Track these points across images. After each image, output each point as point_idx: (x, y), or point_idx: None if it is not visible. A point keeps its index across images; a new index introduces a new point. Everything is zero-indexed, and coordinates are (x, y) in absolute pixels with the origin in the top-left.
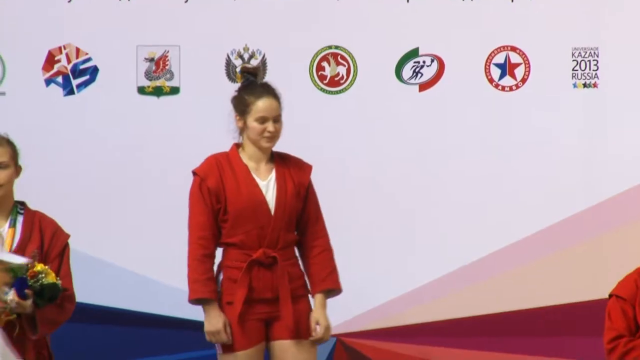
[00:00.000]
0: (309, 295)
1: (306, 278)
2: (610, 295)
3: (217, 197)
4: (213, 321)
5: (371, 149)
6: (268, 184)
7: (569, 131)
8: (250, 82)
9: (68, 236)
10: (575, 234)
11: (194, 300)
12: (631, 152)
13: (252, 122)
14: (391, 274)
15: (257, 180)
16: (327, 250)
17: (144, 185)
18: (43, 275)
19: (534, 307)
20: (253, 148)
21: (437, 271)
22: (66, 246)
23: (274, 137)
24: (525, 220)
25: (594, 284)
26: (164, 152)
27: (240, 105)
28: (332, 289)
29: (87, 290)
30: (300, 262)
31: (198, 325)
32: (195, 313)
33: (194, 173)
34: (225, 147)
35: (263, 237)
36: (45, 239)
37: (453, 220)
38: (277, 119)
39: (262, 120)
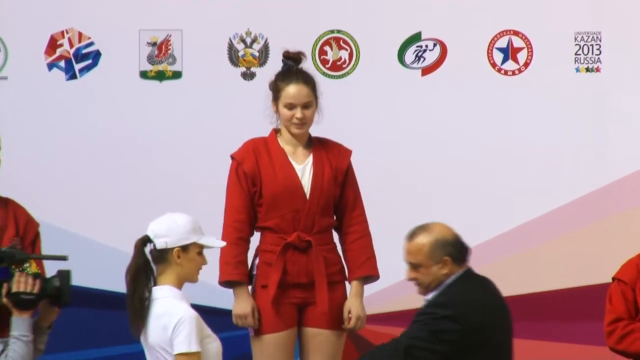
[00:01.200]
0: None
1: (344, 264)
2: (613, 279)
3: (252, 181)
4: (242, 305)
5: (373, 133)
6: (304, 168)
7: (571, 115)
8: (288, 68)
9: (38, 224)
10: (578, 218)
11: (224, 283)
12: (633, 137)
13: (281, 108)
14: (393, 257)
15: (294, 164)
16: (365, 237)
17: (146, 168)
18: (28, 265)
19: (536, 292)
20: (288, 133)
21: None
22: (37, 235)
23: (303, 123)
24: (527, 205)
25: (597, 268)
26: (166, 136)
27: (274, 91)
28: (369, 275)
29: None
30: (339, 247)
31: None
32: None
33: (232, 157)
34: (228, 131)
35: (298, 220)
36: (20, 227)
37: (453, 204)
38: (306, 106)
39: (290, 106)
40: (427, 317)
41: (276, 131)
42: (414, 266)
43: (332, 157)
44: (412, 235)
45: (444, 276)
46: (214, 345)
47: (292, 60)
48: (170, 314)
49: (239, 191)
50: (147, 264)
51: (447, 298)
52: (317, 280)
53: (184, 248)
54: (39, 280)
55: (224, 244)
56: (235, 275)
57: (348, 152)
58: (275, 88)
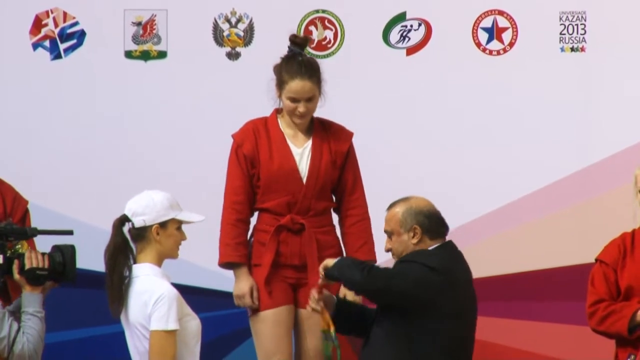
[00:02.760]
0: None
1: (342, 247)
2: (596, 260)
3: (251, 163)
4: (240, 285)
5: (358, 113)
6: (303, 152)
7: (556, 95)
8: (293, 55)
9: (27, 202)
10: (563, 198)
11: (224, 264)
12: (618, 117)
13: (285, 99)
14: (380, 239)
15: (292, 147)
16: (363, 220)
17: (131, 149)
18: (20, 246)
19: (520, 272)
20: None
21: None
22: (26, 212)
23: (305, 115)
24: (511, 185)
25: (581, 248)
26: (150, 116)
27: (278, 79)
28: (365, 260)
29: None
30: (336, 230)
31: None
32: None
33: (232, 137)
34: (213, 110)
35: (293, 204)
36: (7, 205)
37: (438, 184)
38: (310, 99)
39: (293, 100)
40: (413, 263)
41: (277, 111)
42: (389, 234)
43: (332, 140)
44: (392, 205)
45: (415, 246)
46: (193, 323)
47: (298, 46)
48: (151, 291)
49: (238, 173)
50: (125, 243)
51: (429, 259)
52: (309, 263)
53: (163, 225)
54: (47, 256)
55: (202, 218)
56: (235, 256)
57: (349, 135)
58: (280, 78)
